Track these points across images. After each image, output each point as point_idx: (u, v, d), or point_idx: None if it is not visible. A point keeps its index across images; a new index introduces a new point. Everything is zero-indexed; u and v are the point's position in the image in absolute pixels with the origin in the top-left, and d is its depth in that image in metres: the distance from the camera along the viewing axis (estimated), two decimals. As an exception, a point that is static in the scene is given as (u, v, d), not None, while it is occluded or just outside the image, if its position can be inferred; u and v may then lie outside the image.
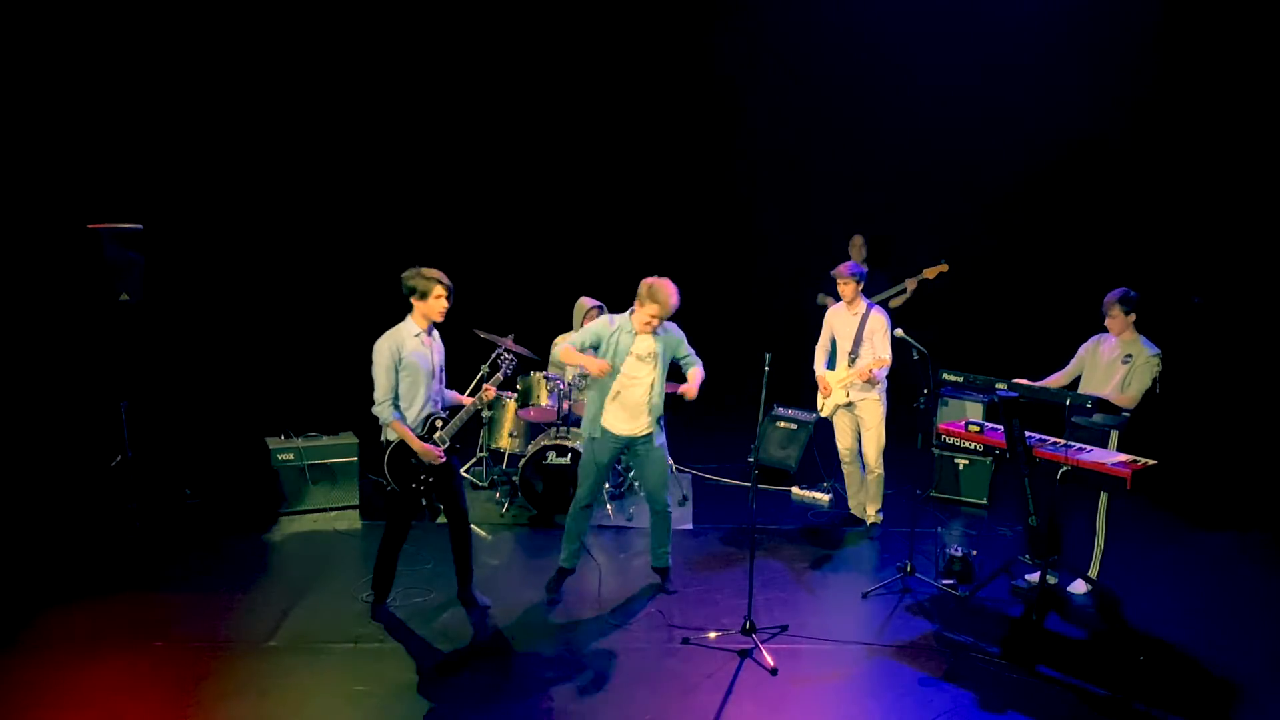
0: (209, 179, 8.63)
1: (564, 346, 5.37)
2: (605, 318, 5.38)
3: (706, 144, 9.60)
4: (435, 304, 4.92)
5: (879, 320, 6.21)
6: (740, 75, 9.13)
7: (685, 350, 5.39)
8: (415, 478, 5.04)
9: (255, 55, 8.62)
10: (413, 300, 4.95)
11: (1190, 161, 8.24)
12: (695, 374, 5.33)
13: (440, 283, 4.89)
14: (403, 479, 5.05)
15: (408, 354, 4.91)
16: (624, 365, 5.21)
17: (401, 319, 4.99)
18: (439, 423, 5.05)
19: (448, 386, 5.26)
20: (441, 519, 5.49)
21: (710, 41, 9.14)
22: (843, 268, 6.28)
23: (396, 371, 4.89)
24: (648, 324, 5.14)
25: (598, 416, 5.29)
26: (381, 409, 4.91)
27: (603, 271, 9.08)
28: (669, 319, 5.24)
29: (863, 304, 6.30)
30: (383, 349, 4.89)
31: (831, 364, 6.47)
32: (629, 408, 5.25)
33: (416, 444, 4.94)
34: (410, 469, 5.03)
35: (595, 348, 5.27)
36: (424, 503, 5.09)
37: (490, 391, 5.09)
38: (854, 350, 6.27)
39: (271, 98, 8.80)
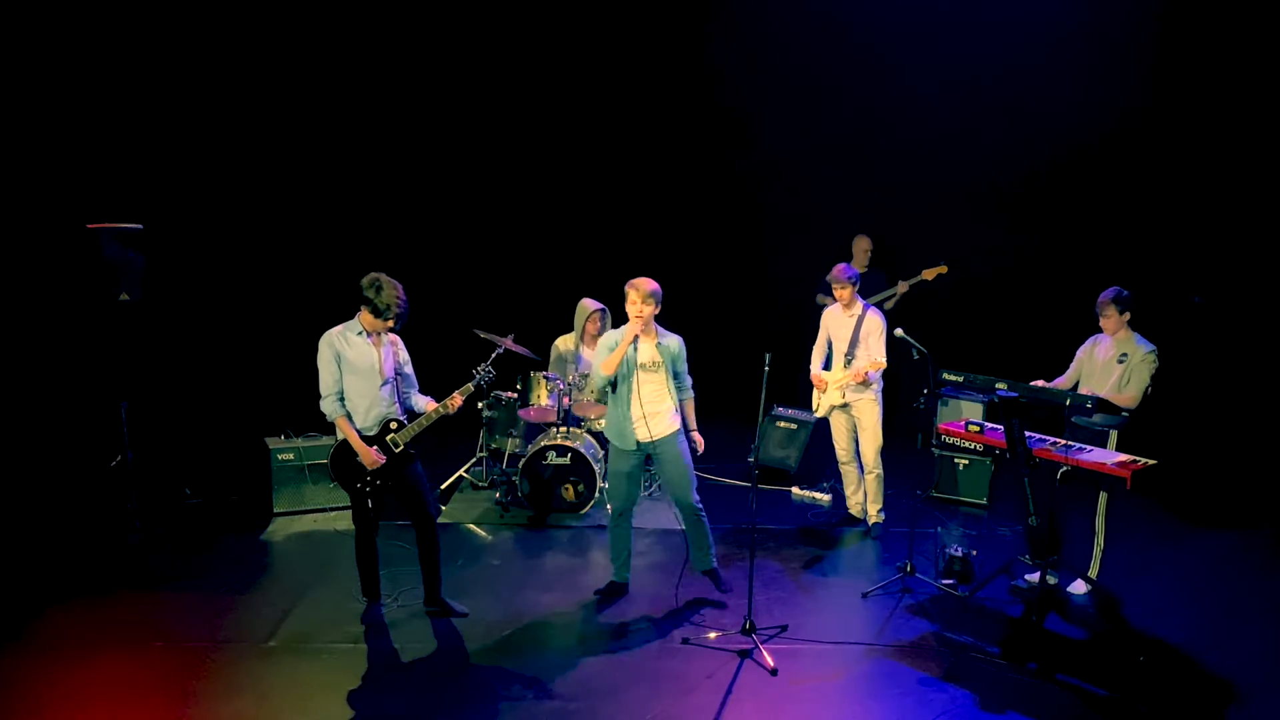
0: (209, 179, 8.63)
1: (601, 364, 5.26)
2: (611, 332, 5.31)
3: (707, 144, 9.59)
4: (364, 319, 4.94)
5: (875, 322, 6.21)
6: (742, 76, 9.12)
7: (682, 365, 5.34)
8: (360, 478, 5.01)
9: (255, 55, 8.62)
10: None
11: (1191, 162, 8.23)
12: (688, 409, 5.34)
13: (367, 304, 4.86)
14: (346, 479, 5.03)
15: (347, 351, 4.89)
16: (634, 374, 5.20)
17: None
18: (394, 425, 5.00)
19: (423, 391, 5.22)
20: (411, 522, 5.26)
21: (712, 42, 9.13)
22: (837, 272, 6.25)
23: (339, 368, 4.88)
24: (638, 316, 5.08)
25: (614, 426, 5.29)
26: (323, 403, 4.92)
27: (603, 272, 9.10)
28: (666, 325, 5.22)
29: (859, 306, 6.31)
30: (322, 343, 4.90)
31: (828, 365, 6.47)
32: (643, 414, 5.21)
33: (358, 444, 4.91)
34: (354, 469, 5.00)
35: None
36: (369, 504, 5.04)
37: (456, 401, 4.99)
38: (850, 351, 6.27)
39: (272, 98, 8.80)
